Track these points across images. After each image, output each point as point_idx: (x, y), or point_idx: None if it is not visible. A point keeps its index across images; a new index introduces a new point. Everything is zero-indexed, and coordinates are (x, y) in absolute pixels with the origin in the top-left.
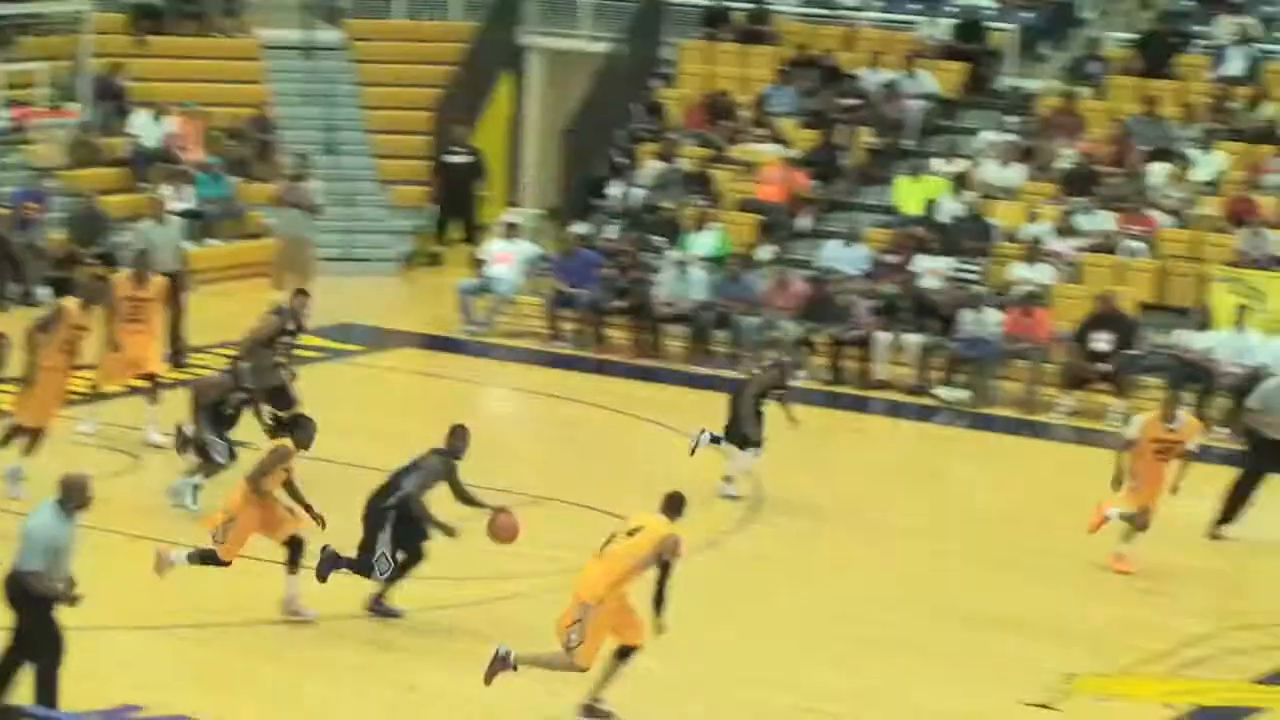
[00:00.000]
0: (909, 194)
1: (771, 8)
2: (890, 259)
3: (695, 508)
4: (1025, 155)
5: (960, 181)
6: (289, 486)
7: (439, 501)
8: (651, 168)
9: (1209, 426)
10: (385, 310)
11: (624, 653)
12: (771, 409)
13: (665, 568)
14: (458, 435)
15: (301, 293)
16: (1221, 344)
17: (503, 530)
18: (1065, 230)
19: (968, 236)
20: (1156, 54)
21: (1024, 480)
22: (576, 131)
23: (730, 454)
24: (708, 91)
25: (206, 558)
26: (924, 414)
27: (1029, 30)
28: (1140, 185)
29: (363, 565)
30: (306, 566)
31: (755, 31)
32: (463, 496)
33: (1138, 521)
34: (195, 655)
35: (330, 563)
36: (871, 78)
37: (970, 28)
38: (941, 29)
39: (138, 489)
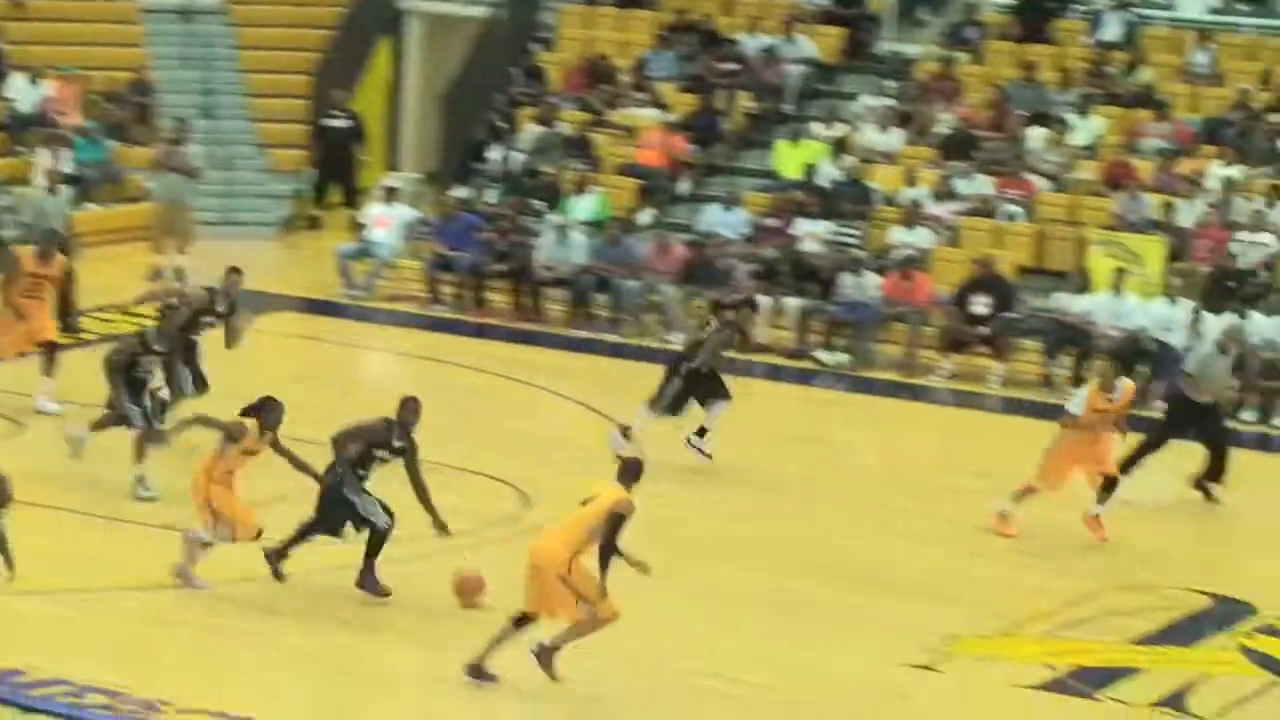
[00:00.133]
0: (788, 158)
1: None
2: (770, 223)
3: (571, 473)
4: (904, 120)
5: (839, 146)
6: (289, 455)
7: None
8: (531, 132)
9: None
10: (264, 274)
11: (522, 621)
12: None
13: (615, 529)
14: (408, 408)
15: (234, 270)
16: (1099, 307)
17: (469, 588)
18: (944, 194)
19: (847, 200)
20: (1034, 19)
21: (904, 443)
22: (456, 95)
23: (709, 410)
24: (587, 56)
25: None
26: (804, 377)
27: None
28: (1018, 150)
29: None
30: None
31: None
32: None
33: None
34: (79, 621)
35: (276, 554)
36: (751, 43)
37: None
38: None
39: (21, 455)
